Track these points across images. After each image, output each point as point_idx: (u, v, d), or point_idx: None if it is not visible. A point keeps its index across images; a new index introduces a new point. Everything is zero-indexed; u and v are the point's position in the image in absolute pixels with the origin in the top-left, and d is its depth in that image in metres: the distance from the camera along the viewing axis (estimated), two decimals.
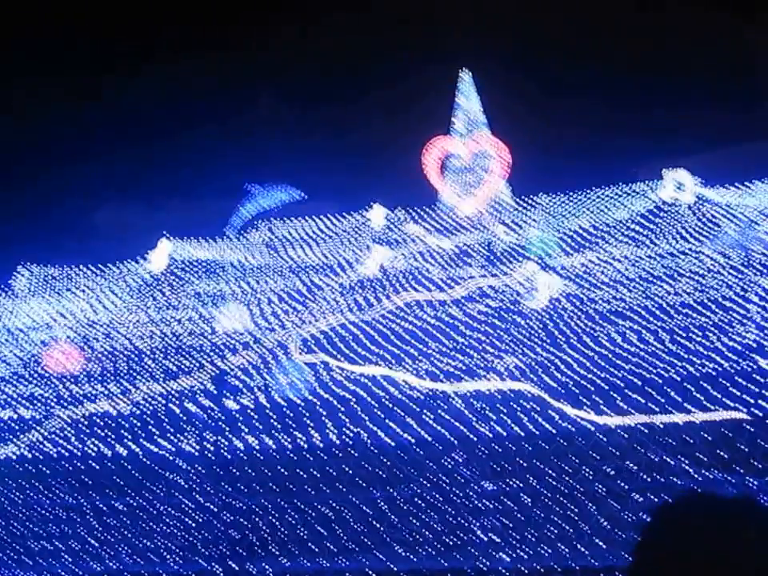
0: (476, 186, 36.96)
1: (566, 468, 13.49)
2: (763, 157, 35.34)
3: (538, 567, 12.70)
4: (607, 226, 27.67)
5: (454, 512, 13.70)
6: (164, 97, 50.56)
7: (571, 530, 13.13)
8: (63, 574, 14.31)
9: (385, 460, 14.32)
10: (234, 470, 14.84)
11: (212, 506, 14.45)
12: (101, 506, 15.03)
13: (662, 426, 13.47)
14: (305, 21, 57.17)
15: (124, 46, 58.72)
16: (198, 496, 14.72)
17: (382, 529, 13.80)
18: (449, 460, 14.06)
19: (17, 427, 16.88)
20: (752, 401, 13.42)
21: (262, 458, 15.00)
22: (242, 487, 14.66)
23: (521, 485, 13.68)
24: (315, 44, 54.90)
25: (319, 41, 54.72)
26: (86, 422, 16.46)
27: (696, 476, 12.63)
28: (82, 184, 46.70)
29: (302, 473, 14.68)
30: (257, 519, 14.39)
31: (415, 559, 13.50)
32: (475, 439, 14.28)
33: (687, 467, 12.78)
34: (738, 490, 11.96)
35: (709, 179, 28.39)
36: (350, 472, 14.45)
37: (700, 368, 16.42)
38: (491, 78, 42.81)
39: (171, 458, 15.24)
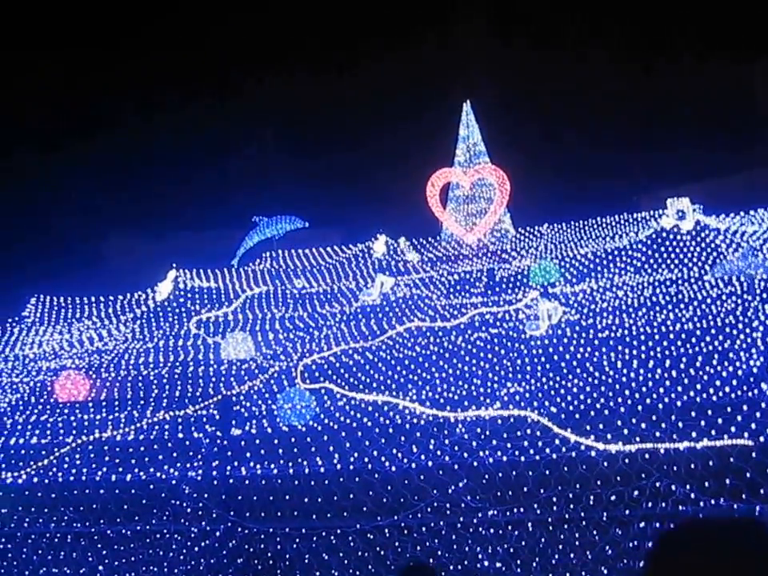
0: (478, 215, 37.20)
1: (569, 495, 13.54)
2: (763, 184, 35.52)
3: None
4: (609, 253, 27.80)
5: (458, 539, 13.74)
6: (173, 129, 50.98)
7: (574, 557, 13.16)
8: None
9: (389, 487, 14.38)
10: (239, 497, 14.93)
11: (217, 533, 14.52)
12: (108, 531, 15.11)
13: (663, 452, 13.49)
14: (310, 60, 57.76)
15: (134, 77, 59.19)
16: (203, 522, 14.80)
17: (386, 555, 13.84)
18: (452, 487, 14.12)
19: (26, 454, 17.00)
20: (757, 428, 13.48)
21: (266, 484, 15.09)
22: (247, 514, 14.73)
23: (524, 512, 13.73)
24: (321, 78, 55.45)
25: (324, 75, 55.29)
26: (93, 449, 16.58)
27: (701, 503, 12.67)
28: (91, 216, 47.03)
29: (306, 499, 14.76)
30: (262, 546, 14.46)
31: None
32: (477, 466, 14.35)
33: (692, 494, 12.82)
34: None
35: (710, 207, 28.54)
36: (354, 498, 14.52)
37: (703, 395, 16.50)
38: (493, 109, 43.17)
39: (176, 483, 15.33)
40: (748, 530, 2.22)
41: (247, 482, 15.19)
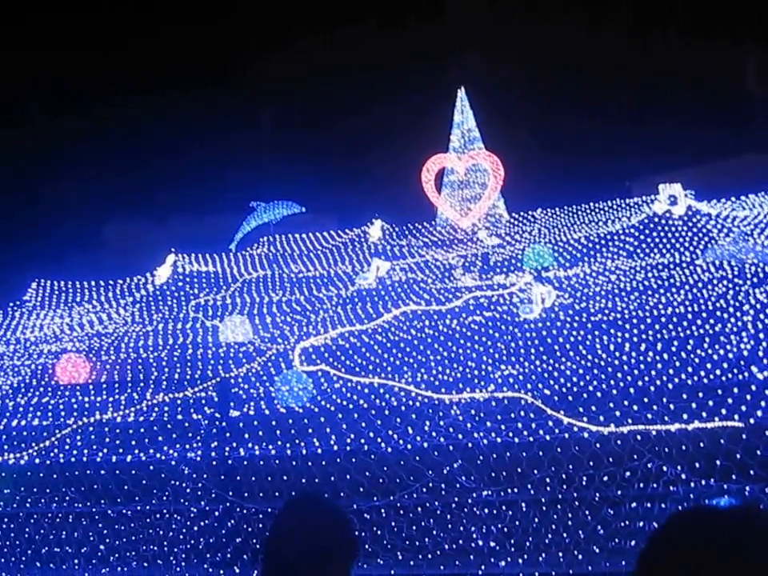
0: (472, 200, 37.36)
1: (562, 476, 13.70)
2: (754, 170, 35.67)
3: (535, 573, 12.88)
4: (601, 238, 27.98)
5: (453, 519, 13.90)
6: (173, 115, 51.02)
7: (567, 537, 13.32)
8: None
9: (385, 467, 14.54)
10: (238, 477, 15.08)
11: (216, 512, 14.69)
12: (109, 511, 15.28)
13: (655, 434, 13.67)
14: (307, 43, 57.69)
15: (135, 64, 59.07)
16: (202, 502, 14.96)
17: (382, 535, 14.00)
18: (447, 468, 14.28)
19: (28, 435, 17.16)
20: (747, 410, 13.65)
21: (264, 465, 15.24)
22: (246, 494, 14.89)
23: (517, 492, 13.89)
24: (317, 65, 55.44)
25: (321, 62, 55.29)
26: (94, 431, 16.75)
27: (691, 483, 12.85)
28: (91, 200, 47.20)
29: (303, 480, 14.91)
30: (260, 525, 14.61)
31: (415, 566, 13.68)
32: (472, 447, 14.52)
33: (683, 475, 13.00)
34: (735, 498, 12.13)
35: (701, 192, 28.71)
36: (351, 479, 14.68)
37: (695, 377, 16.70)
38: (487, 96, 43.36)
39: (176, 464, 15.49)
40: (753, 519, 2.07)
41: (245, 462, 15.34)
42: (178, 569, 14.38)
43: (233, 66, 59.25)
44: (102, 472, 15.72)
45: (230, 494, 14.74)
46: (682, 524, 2.13)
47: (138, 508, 15.19)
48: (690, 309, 20.98)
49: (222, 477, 15.12)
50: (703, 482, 12.75)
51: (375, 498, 14.07)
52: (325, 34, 58.64)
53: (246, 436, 15.80)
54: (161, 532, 14.81)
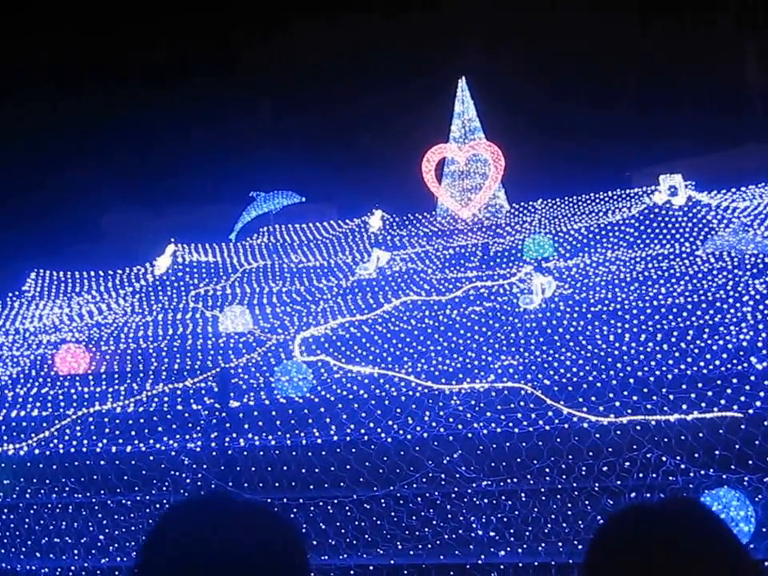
0: (473, 190, 37.35)
1: (562, 466, 13.71)
2: (755, 160, 35.67)
3: (535, 563, 12.90)
4: (602, 228, 27.98)
5: (452, 509, 13.92)
6: (172, 104, 50.93)
7: (566, 527, 13.34)
8: (73, 567, 14.58)
9: (385, 458, 14.56)
10: (238, 468, 15.11)
11: None
12: (109, 502, 15.30)
13: (654, 424, 13.68)
14: (306, 31, 57.60)
15: (132, 51, 58.99)
16: (202, 493, 14.95)
17: (382, 525, 14.02)
18: (447, 458, 14.29)
19: (27, 426, 17.17)
20: (746, 400, 13.66)
21: (264, 455, 15.26)
22: (246, 484, 14.91)
23: (517, 482, 13.91)
24: (316, 53, 55.35)
25: (320, 50, 55.20)
26: (94, 421, 16.76)
27: (690, 474, 12.86)
28: (90, 190, 47.14)
29: (303, 470, 14.93)
30: None
31: (415, 555, 13.69)
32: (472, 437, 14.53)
33: (682, 465, 13.02)
34: (733, 487, 12.20)
35: (702, 183, 28.70)
36: (351, 469, 14.70)
37: (694, 368, 16.70)
38: (488, 85, 43.31)
39: (176, 454, 15.50)
40: (685, 514, 2.11)
41: (245, 453, 15.36)
42: None
43: (232, 55, 59.14)
44: (102, 462, 15.73)
45: (230, 484, 14.75)
46: (628, 522, 2.15)
47: (138, 498, 15.19)
48: (689, 299, 20.98)
49: (222, 467, 15.14)
50: (702, 472, 12.75)
51: (375, 488, 14.08)
52: (325, 22, 58.49)
53: (246, 426, 15.81)
54: None
